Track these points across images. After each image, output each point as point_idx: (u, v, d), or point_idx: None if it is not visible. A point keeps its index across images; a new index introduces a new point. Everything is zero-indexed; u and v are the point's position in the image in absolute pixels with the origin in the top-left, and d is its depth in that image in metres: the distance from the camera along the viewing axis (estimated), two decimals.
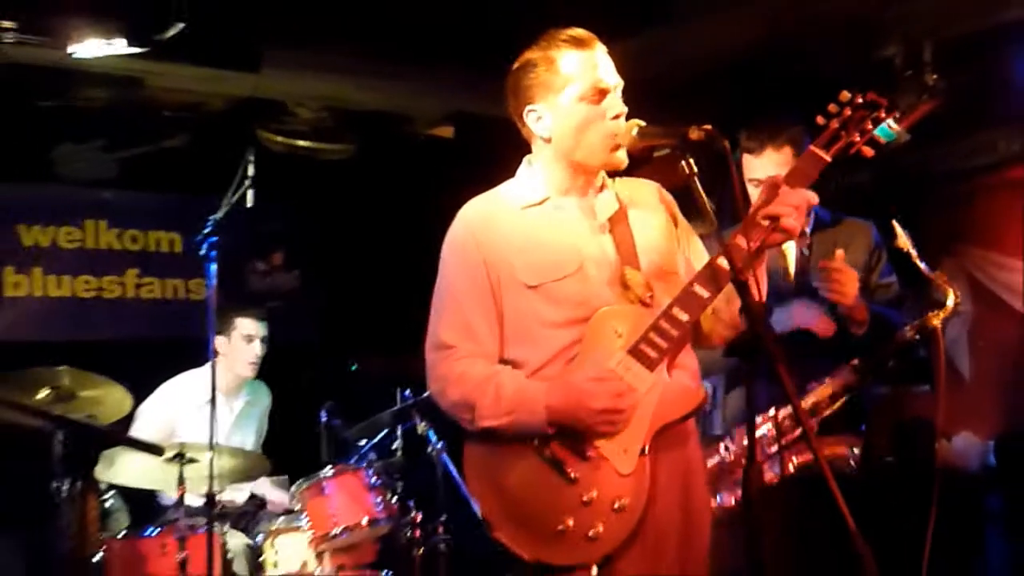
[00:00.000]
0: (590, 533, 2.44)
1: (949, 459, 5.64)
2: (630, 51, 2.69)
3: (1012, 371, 6.05)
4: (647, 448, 2.48)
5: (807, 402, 3.34)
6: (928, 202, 6.17)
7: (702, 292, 2.49)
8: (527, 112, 2.62)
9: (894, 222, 3.37)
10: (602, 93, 2.55)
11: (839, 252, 3.26)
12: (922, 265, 3.33)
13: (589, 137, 2.56)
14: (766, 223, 2.46)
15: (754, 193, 3.41)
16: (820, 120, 2.60)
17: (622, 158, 2.60)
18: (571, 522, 2.44)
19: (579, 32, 2.59)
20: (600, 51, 2.60)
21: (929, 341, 3.51)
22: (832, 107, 2.59)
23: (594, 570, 2.44)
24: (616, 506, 2.45)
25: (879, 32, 5.05)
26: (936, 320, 3.33)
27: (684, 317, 2.48)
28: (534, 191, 2.66)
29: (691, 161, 2.46)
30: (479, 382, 2.53)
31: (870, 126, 2.61)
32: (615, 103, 2.57)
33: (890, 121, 2.70)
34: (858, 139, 2.59)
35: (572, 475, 2.47)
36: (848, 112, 2.58)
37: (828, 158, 2.56)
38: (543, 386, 2.50)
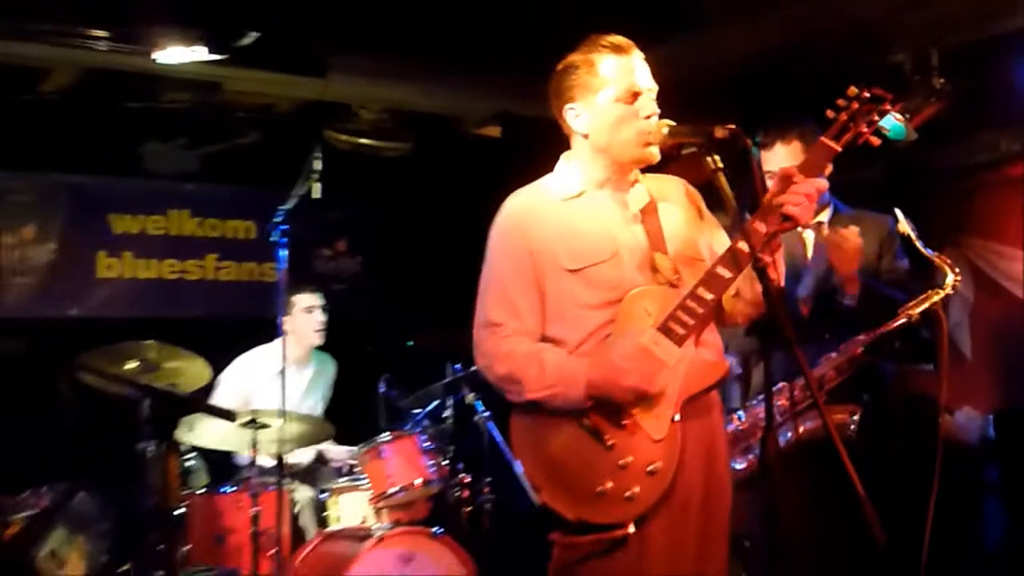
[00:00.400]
0: (627, 494, 2.45)
1: (951, 432, 5.58)
2: (662, 56, 2.67)
3: (1010, 351, 6.02)
4: (677, 416, 2.49)
5: (817, 373, 3.34)
6: (934, 196, 6.10)
7: (724, 273, 2.49)
8: (567, 110, 2.63)
9: (896, 210, 3.37)
10: (636, 95, 2.55)
11: (852, 227, 3.24)
12: (922, 248, 3.30)
13: (623, 134, 2.57)
14: (779, 211, 2.45)
15: (770, 184, 3.40)
16: (830, 114, 2.56)
17: (654, 154, 2.60)
18: (609, 484, 2.46)
19: (618, 39, 2.60)
20: (637, 56, 2.60)
21: (933, 323, 3.49)
22: (841, 101, 2.56)
23: (631, 527, 2.44)
24: (650, 469, 2.46)
25: (890, 40, 5.01)
26: (937, 297, 3.31)
27: (708, 296, 2.49)
28: (573, 184, 2.67)
29: (716, 157, 2.46)
30: (524, 358, 2.55)
31: (876, 118, 2.56)
32: (648, 104, 2.57)
33: (895, 113, 2.70)
34: (865, 130, 2.55)
35: (609, 442, 2.48)
36: (856, 105, 2.54)
37: (838, 148, 2.53)
38: (583, 362, 2.50)
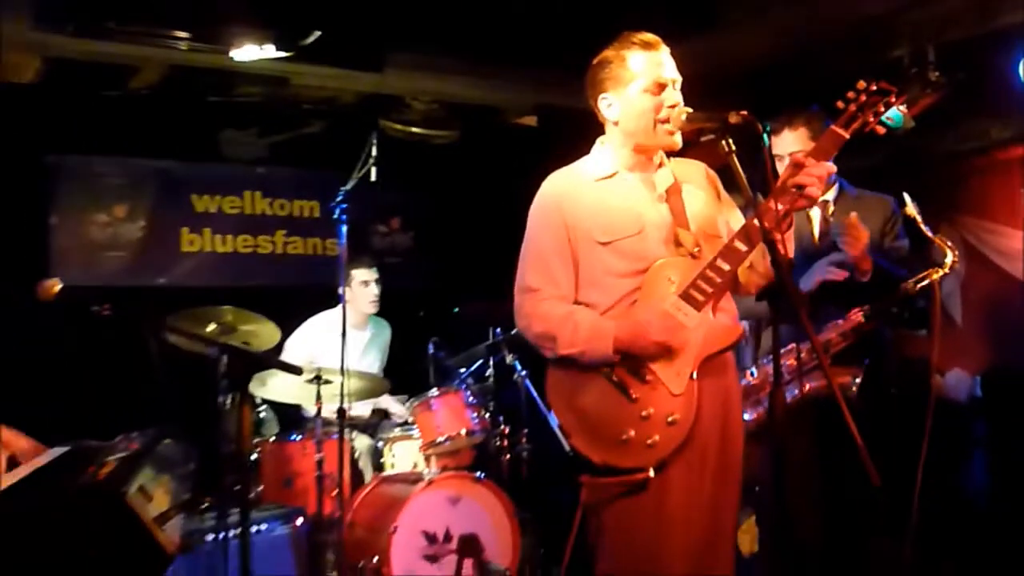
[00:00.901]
0: (648, 442, 2.46)
1: (942, 391, 5.55)
2: (684, 53, 2.65)
3: (997, 319, 6.00)
4: (695, 374, 2.49)
5: (823, 338, 3.32)
6: (930, 178, 6.04)
7: (740, 246, 2.49)
8: (600, 100, 2.63)
9: (905, 194, 3.35)
10: (661, 86, 2.55)
11: (853, 214, 3.21)
12: (926, 229, 3.28)
13: (648, 122, 2.56)
14: (793, 191, 2.44)
15: (778, 167, 3.37)
16: (840, 104, 2.57)
17: (677, 140, 2.60)
18: (633, 433, 2.47)
19: (647, 36, 2.60)
20: (664, 52, 2.60)
21: (927, 294, 3.46)
22: (850, 94, 2.57)
23: (651, 471, 2.45)
24: (669, 420, 2.46)
25: (890, 36, 4.94)
26: (936, 275, 3.28)
27: (726, 267, 2.49)
28: (606, 166, 2.67)
29: (730, 141, 2.44)
30: (560, 319, 2.56)
31: (882, 109, 2.58)
32: (672, 95, 2.57)
33: (898, 105, 2.67)
34: (872, 120, 2.56)
35: (634, 395, 2.49)
36: (863, 98, 2.55)
37: (847, 135, 2.54)
38: (612, 322, 2.51)
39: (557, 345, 2.55)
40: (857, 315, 3.36)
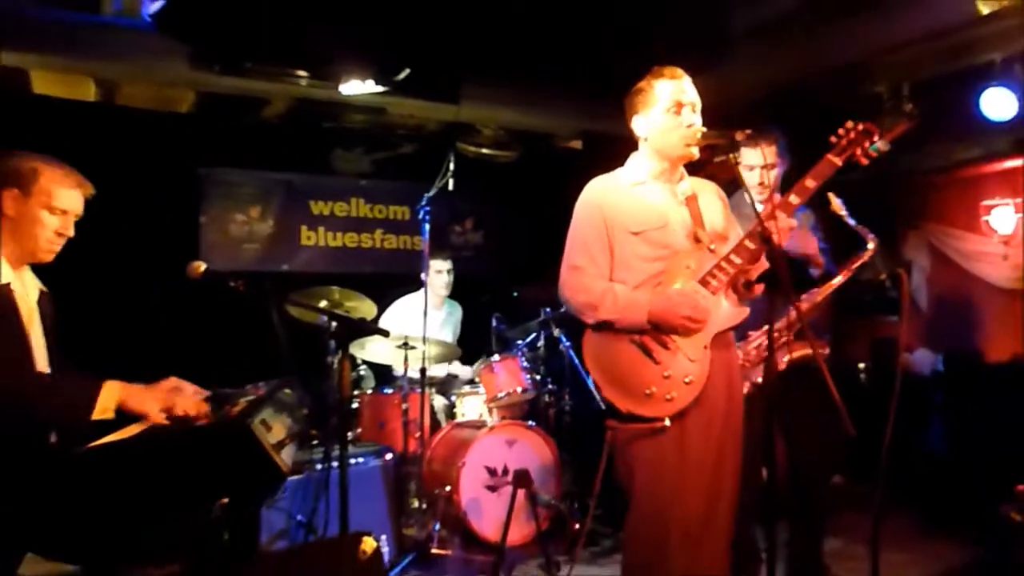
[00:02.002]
0: (667, 396, 2.44)
1: (909, 366, 5.44)
2: (701, 84, 2.62)
3: (956, 307, 5.91)
4: (708, 345, 2.47)
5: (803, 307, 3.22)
6: (902, 191, 6.01)
7: (750, 245, 2.47)
8: (634, 120, 2.61)
9: (829, 194, 3.18)
10: (680, 107, 2.52)
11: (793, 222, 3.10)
12: (851, 222, 3.14)
13: (671, 137, 2.54)
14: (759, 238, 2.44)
15: (747, 175, 3.23)
16: (833, 139, 2.54)
17: (694, 152, 2.57)
18: (655, 389, 2.44)
19: (673, 69, 2.58)
20: (686, 81, 2.58)
21: (898, 285, 3.36)
22: (841, 131, 2.54)
23: (667, 421, 2.43)
24: (686, 380, 2.44)
25: (872, 75, 4.84)
26: (862, 259, 3.18)
27: (737, 260, 2.49)
28: (638, 174, 2.65)
29: (737, 154, 2.42)
30: (601, 291, 2.53)
31: (867, 145, 2.54)
32: (691, 116, 2.54)
33: (879, 143, 2.60)
34: (858, 153, 2.53)
35: (657, 358, 2.46)
36: (852, 135, 2.53)
37: (840, 163, 2.52)
38: (647, 295, 2.49)
39: (599, 312, 2.52)
40: (816, 296, 3.25)
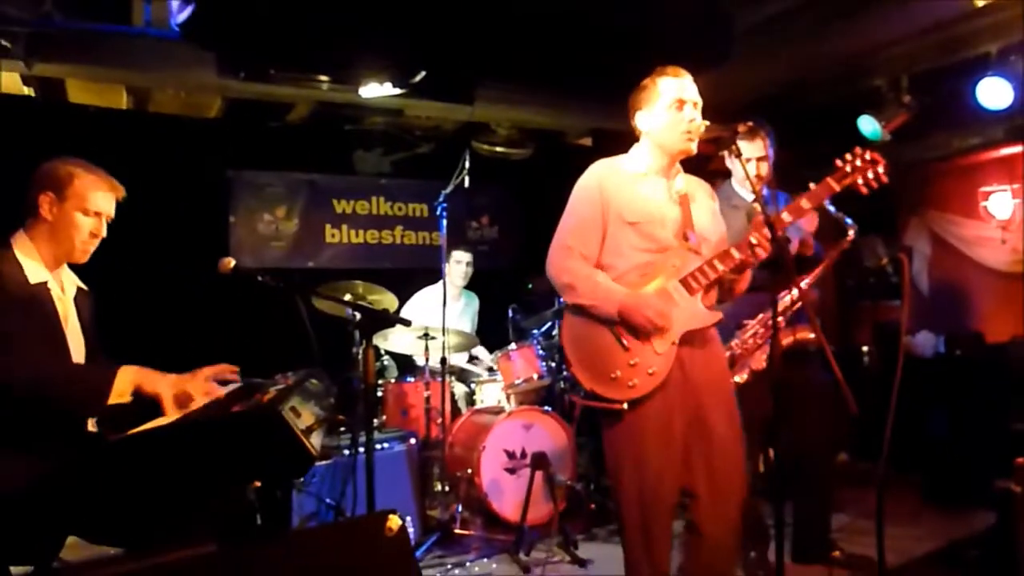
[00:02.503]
0: (630, 383, 2.43)
1: (911, 348, 5.39)
2: (703, 83, 2.59)
3: (956, 291, 5.86)
4: (676, 341, 2.45)
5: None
6: (903, 180, 5.93)
7: (735, 254, 2.46)
8: (637, 115, 2.58)
9: (811, 184, 3.18)
10: (682, 104, 2.49)
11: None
12: (833, 211, 3.07)
13: (672, 132, 2.51)
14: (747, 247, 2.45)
15: (747, 166, 3.20)
16: (837, 163, 2.50)
17: (693, 147, 2.54)
18: (619, 373, 2.44)
19: (676, 68, 2.55)
20: (687, 79, 2.54)
21: (899, 271, 3.34)
22: (847, 156, 2.51)
23: (625, 405, 2.43)
24: (650, 371, 2.43)
25: (871, 69, 4.80)
26: (842, 247, 3.16)
27: (720, 267, 2.47)
28: (638, 165, 2.61)
29: (739, 145, 2.40)
30: (583, 275, 2.51)
31: (870, 175, 2.48)
32: (692, 112, 2.51)
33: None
34: (859, 182, 2.48)
35: (627, 346, 2.44)
36: (857, 162, 2.48)
37: (837, 188, 2.49)
38: (623, 290, 2.47)
39: (576, 295, 2.51)
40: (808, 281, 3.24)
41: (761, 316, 3.20)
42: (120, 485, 1.91)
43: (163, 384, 2.16)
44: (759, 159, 3.26)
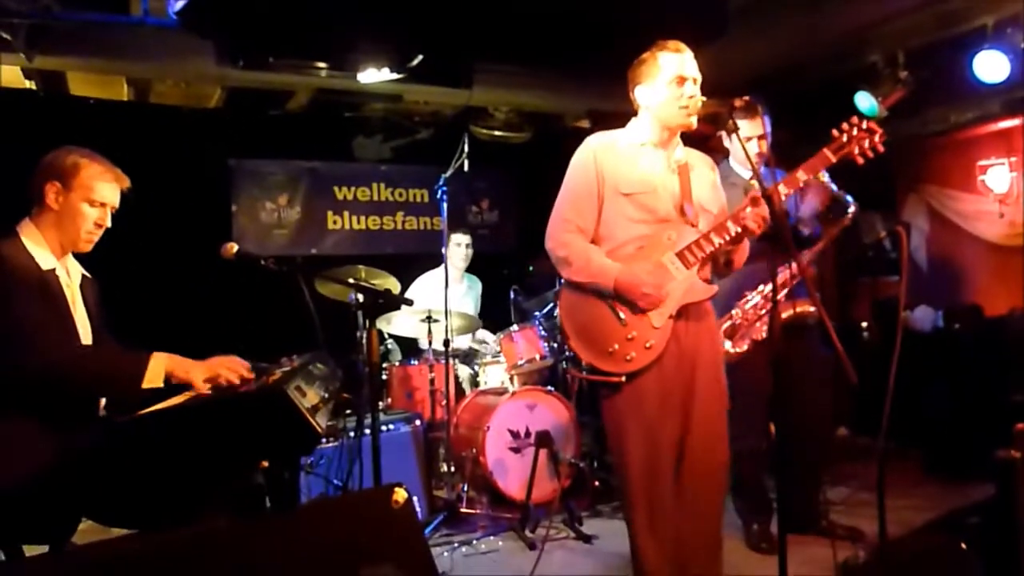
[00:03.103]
0: (627, 357, 2.44)
1: (910, 323, 5.40)
2: (701, 60, 2.58)
3: (954, 265, 5.86)
4: (673, 315, 2.46)
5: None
6: (901, 155, 5.92)
7: (732, 227, 2.46)
8: (637, 88, 2.57)
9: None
10: (683, 80, 2.49)
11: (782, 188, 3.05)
12: (835, 189, 3.11)
13: (672, 107, 2.50)
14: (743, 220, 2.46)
15: (746, 146, 3.23)
16: (834, 132, 2.50)
17: (693, 122, 2.53)
18: (617, 347, 2.45)
19: (676, 42, 2.54)
20: (688, 54, 2.53)
21: (897, 244, 3.35)
22: (844, 126, 2.51)
23: (623, 379, 2.45)
24: (647, 344, 2.44)
25: (867, 45, 4.76)
26: (844, 224, 3.19)
27: (717, 240, 2.47)
28: (636, 136, 2.61)
29: (735, 120, 2.40)
30: (579, 250, 2.52)
31: (866, 145, 2.49)
32: (691, 87, 2.50)
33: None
34: (855, 151, 2.49)
35: (624, 320, 2.45)
36: (853, 132, 2.49)
37: (834, 159, 2.50)
38: (617, 266, 2.47)
39: (571, 271, 2.52)
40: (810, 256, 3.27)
41: (762, 287, 3.22)
42: (129, 465, 1.94)
43: (196, 372, 2.19)
44: (759, 137, 3.26)
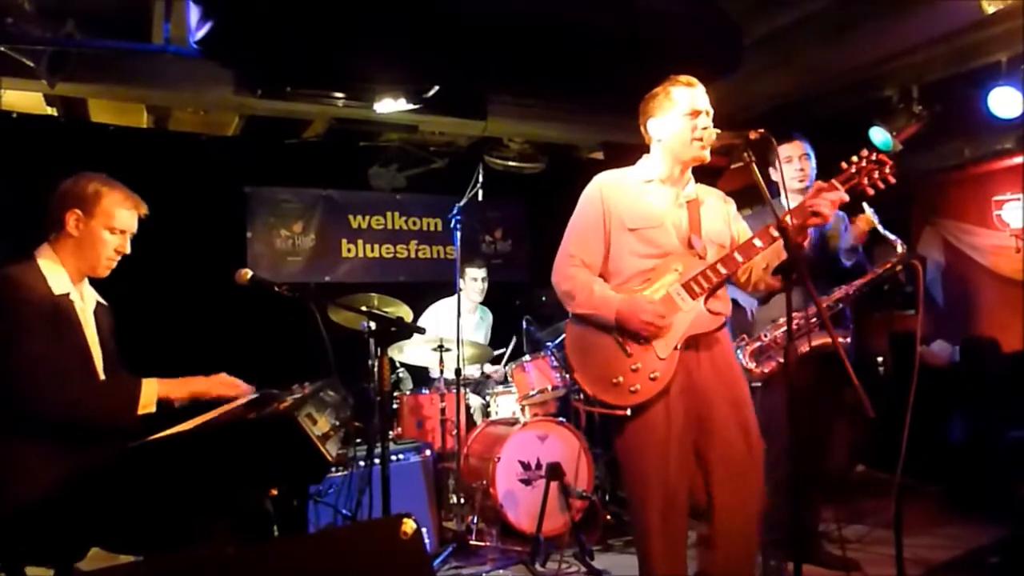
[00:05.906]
0: (632, 388, 2.43)
1: (927, 357, 5.35)
2: (714, 94, 2.59)
3: (971, 299, 5.81)
4: (679, 346, 2.44)
5: (824, 303, 3.25)
6: (917, 189, 5.94)
7: (738, 257, 2.46)
8: (649, 123, 2.58)
9: (864, 204, 3.22)
10: (696, 113, 2.49)
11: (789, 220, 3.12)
12: (882, 230, 3.18)
13: (685, 140, 2.51)
14: (809, 211, 2.44)
15: (785, 166, 3.38)
16: (843, 165, 2.51)
17: (706, 155, 2.53)
18: (622, 379, 2.44)
19: (688, 77, 2.56)
20: (700, 89, 2.55)
21: (913, 278, 3.35)
22: (853, 158, 2.52)
23: (628, 411, 2.43)
24: (651, 376, 2.42)
25: (881, 79, 4.79)
26: (892, 263, 3.23)
27: (723, 271, 2.47)
28: (646, 173, 2.62)
29: (751, 152, 2.40)
30: (582, 283, 2.52)
31: (876, 176, 2.50)
32: (704, 120, 2.51)
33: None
34: (864, 183, 2.50)
35: (629, 352, 2.44)
36: (863, 164, 2.50)
37: (842, 190, 2.49)
38: (619, 296, 2.47)
39: (574, 303, 2.54)
40: (845, 290, 3.30)
41: (796, 313, 3.24)
42: (138, 490, 1.93)
43: (182, 390, 2.26)
44: (800, 156, 3.36)
